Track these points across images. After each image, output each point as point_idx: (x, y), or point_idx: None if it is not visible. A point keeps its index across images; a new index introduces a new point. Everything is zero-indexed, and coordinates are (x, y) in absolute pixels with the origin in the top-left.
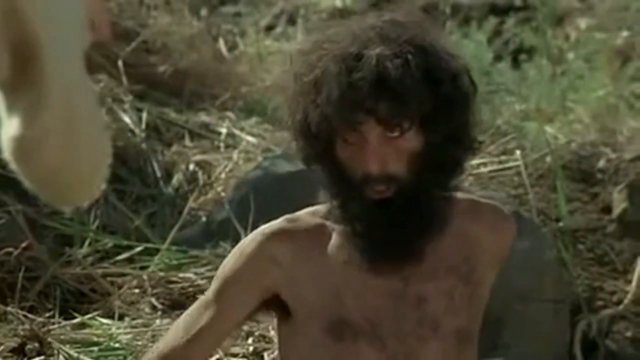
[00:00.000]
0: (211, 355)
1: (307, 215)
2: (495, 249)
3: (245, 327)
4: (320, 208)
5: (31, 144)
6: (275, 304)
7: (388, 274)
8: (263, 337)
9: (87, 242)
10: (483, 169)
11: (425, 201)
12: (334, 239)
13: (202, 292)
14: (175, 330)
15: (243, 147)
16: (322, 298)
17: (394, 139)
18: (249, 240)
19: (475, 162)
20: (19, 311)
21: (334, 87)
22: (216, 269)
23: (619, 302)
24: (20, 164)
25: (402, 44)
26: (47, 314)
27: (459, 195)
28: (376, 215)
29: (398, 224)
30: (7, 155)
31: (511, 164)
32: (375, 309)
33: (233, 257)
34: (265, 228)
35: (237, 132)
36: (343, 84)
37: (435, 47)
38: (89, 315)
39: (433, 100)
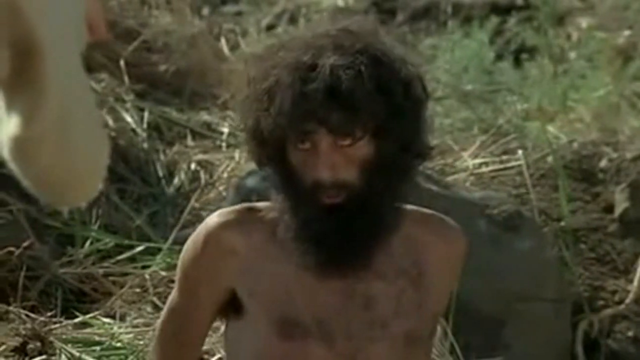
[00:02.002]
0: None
1: (264, 208)
2: (445, 258)
3: None
4: (275, 205)
5: (29, 144)
6: (227, 302)
7: (337, 276)
8: None
9: (88, 242)
10: (484, 169)
11: (376, 207)
12: (286, 238)
13: None
14: (162, 343)
15: (245, 146)
16: (274, 294)
17: (346, 147)
18: (206, 231)
19: (476, 161)
20: (21, 310)
21: (287, 96)
22: None
23: (621, 302)
24: (18, 163)
25: (355, 53)
26: (49, 314)
27: (410, 206)
28: (326, 220)
29: (348, 229)
30: (5, 154)
31: (513, 163)
32: (325, 309)
33: (192, 251)
34: (219, 217)
35: (238, 131)
36: (296, 94)
37: (388, 56)
38: (91, 315)
39: (385, 110)
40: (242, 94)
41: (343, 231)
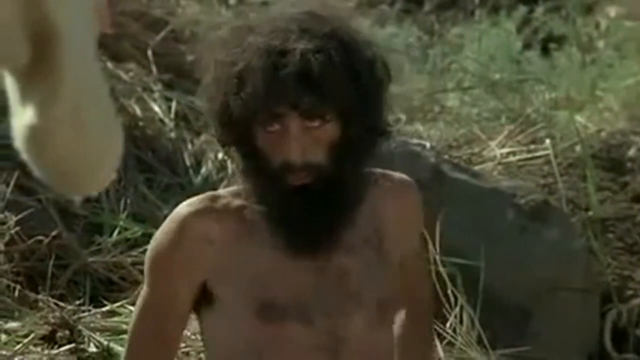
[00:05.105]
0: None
1: (228, 195)
2: (400, 214)
3: None
4: (239, 189)
5: (44, 133)
6: (199, 295)
7: (309, 255)
8: None
9: (116, 231)
10: (512, 158)
11: (342, 185)
12: (256, 222)
13: None
14: (137, 348)
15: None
16: (250, 279)
17: (314, 129)
18: (179, 221)
19: (504, 150)
20: (50, 299)
21: (259, 81)
22: None
23: None
24: (32, 152)
25: (323, 37)
26: (77, 302)
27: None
28: (294, 200)
29: (316, 208)
30: (19, 143)
31: (540, 152)
32: (300, 289)
33: (166, 242)
34: (189, 206)
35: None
36: (268, 78)
37: (354, 39)
38: (119, 303)
39: (354, 93)
40: (208, 77)
41: (312, 210)
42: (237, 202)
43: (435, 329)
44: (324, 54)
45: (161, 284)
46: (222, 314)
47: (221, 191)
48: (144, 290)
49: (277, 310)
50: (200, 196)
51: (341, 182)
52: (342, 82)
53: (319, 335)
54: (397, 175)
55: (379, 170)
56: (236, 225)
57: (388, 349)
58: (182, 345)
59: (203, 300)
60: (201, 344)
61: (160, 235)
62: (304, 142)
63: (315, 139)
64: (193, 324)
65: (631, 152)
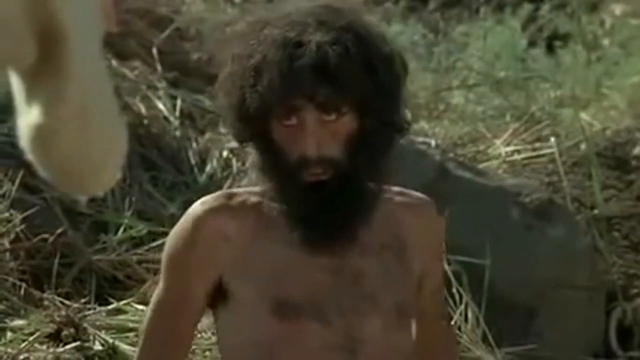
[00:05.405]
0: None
1: (244, 192)
2: (420, 229)
3: None
4: (255, 188)
5: (50, 133)
6: (215, 292)
7: (325, 252)
8: None
9: (122, 229)
10: (517, 156)
11: (359, 182)
12: (272, 219)
13: None
14: (151, 347)
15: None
16: (266, 276)
17: (331, 122)
18: (195, 219)
19: (509, 149)
20: (55, 297)
21: (275, 73)
22: None
23: None
24: (37, 152)
25: (339, 30)
26: (83, 300)
27: (388, 185)
28: (311, 197)
29: (333, 205)
30: (25, 143)
31: (545, 150)
32: (316, 287)
33: (181, 240)
34: (204, 204)
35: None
36: (284, 70)
37: (370, 32)
38: (124, 301)
39: (370, 86)
40: (225, 72)
41: (328, 207)
42: (254, 199)
43: None
44: (340, 46)
45: (176, 282)
46: (237, 311)
47: (238, 189)
48: (159, 287)
49: (292, 308)
50: (216, 194)
51: (357, 179)
52: (359, 74)
53: (334, 335)
54: (416, 193)
55: (397, 187)
56: (252, 222)
57: (407, 352)
58: None
59: (218, 297)
60: (208, 341)
61: (175, 233)
62: (320, 136)
63: (331, 133)
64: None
65: (636, 150)
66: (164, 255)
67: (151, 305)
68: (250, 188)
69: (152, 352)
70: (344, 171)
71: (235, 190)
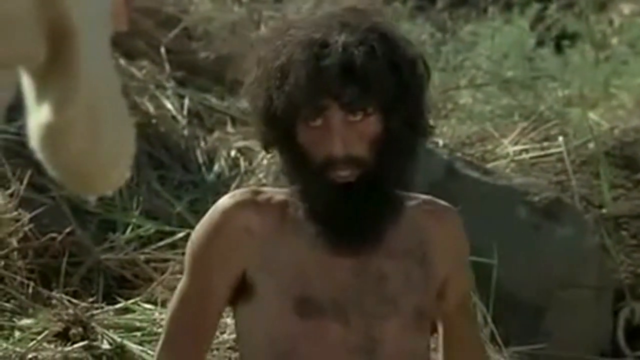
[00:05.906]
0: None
1: (271, 190)
2: (448, 243)
3: None
4: (282, 189)
5: (59, 132)
6: (237, 287)
7: (349, 254)
8: None
9: (130, 228)
10: (525, 155)
11: (385, 184)
12: (298, 218)
13: None
14: (174, 340)
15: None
16: (289, 274)
17: (356, 123)
18: (221, 211)
19: (517, 148)
20: (63, 296)
21: (302, 72)
22: None
23: None
24: (46, 151)
25: (364, 31)
26: (91, 299)
27: (414, 192)
28: (338, 198)
29: (359, 207)
30: (34, 143)
31: (554, 150)
32: (338, 287)
33: (206, 233)
34: (232, 198)
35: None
36: (311, 70)
37: (395, 35)
38: (132, 301)
39: (395, 87)
40: (251, 76)
41: (355, 209)
42: (280, 197)
43: None
44: (366, 46)
45: (200, 275)
46: (258, 307)
47: (266, 187)
48: (182, 281)
49: (313, 306)
50: (243, 189)
51: (383, 181)
52: (384, 75)
53: (354, 335)
54: (442, 202)
55: (422, 195)
56: (277, 218)
57: (424, 355)
58: None
59: (241, 292)
60: (219, 339)
61: (201, 226)
62: (346, 136)
63: (357, 133)
64: None
65: None
66: (187, 248)
67: (175, 297)
68: (275, 189)
69: (174, 344)
70: (370, 172)
71: (264, 188)
